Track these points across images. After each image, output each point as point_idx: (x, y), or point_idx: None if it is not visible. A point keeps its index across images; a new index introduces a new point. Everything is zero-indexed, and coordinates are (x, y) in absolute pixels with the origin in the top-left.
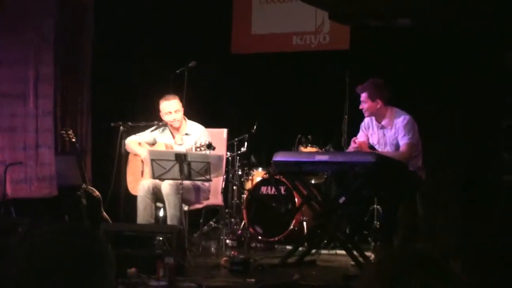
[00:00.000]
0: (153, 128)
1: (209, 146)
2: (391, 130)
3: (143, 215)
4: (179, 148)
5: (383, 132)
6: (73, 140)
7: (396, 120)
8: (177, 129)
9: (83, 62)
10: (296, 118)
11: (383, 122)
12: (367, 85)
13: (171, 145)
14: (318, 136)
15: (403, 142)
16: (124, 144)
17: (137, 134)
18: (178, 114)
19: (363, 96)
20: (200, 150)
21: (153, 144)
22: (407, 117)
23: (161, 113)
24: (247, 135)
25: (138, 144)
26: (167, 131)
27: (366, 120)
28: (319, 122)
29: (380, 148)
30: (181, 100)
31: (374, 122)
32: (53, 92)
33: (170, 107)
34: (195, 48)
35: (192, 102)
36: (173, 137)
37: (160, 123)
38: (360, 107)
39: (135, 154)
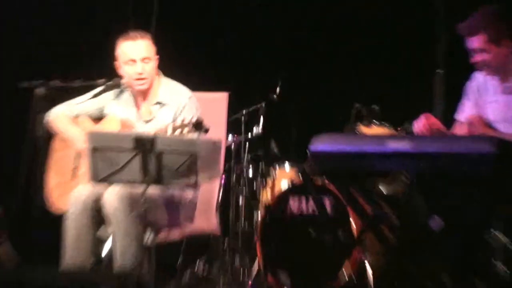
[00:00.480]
0: (98, 90)
1: (198, 126)
2: None
3: (73, 248)
4: (145, 127)
5: (509, 100)
6: None
7: None
8: (144, 93)
9: None
10: (349, 74)
11: None
12: (483, 16)
13: (130, 123)
14: (392, 106)
15: None
16: (46, 122)
17: (68, 102)
18: (148, 65)
19: (479, 39)
20: (181, 132)
21: (99, 119)
22: None
23: (117, 63)
24: (263, 105)
25: (72, 121)
26: (126, 97)
27: (477, 77)
28: (391, 80)
29: (504, 127)
30: (154, 42)
31: (492, 81)
32: None
33: (135, 51)
34: None
35: (169, 46)
36: (137, 107)
37: (112, 82)
38: (473, 59)
39: (64, 139)
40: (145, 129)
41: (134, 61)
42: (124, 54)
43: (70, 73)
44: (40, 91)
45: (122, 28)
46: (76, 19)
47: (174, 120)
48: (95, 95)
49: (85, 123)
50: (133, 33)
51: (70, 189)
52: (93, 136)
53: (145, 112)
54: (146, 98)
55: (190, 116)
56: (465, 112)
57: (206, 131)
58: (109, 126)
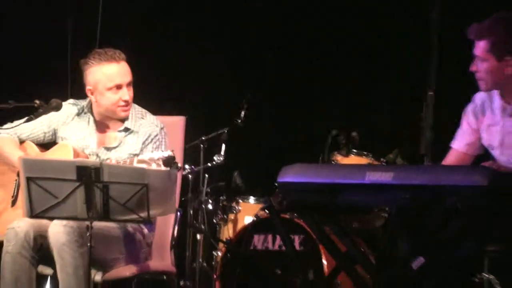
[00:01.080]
0: (44, 114)
1: (169, 162)
2: None
3: None
4: (108, 155)
5: (508, 123)
6: None
7: None
8: (110, 118)
9: None
10: (325, 98)
11: None
12: (492, 23)
13: (83, 152)
14: (371, 133)
15: None
16: None
17: (17, 124)
18: (131, 90)
19: (482, 45)
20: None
21: (48, 146)
22: None
23: (93, 88)
24: (226, 131)
25: (19, 145)
26: (85, 121)
27: (478, 99)
28: (373, 105)
29: (505, 157)
30: None
31: (495, 103)
32: None
33: (121, 76)
34: None
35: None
36: (100, 133)
37: (52, 104)
38: (471, 67)
39: (6, 163)
40: (109, 157)
41: (120, 86)
42: (108, 79)
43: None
44: None
45: (60, 48)
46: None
47: (141, 150)
48: (35, 117)
49: (30, 149)
50: (111, 52)
51: (7, 219)
52: (28, 163)
53: (108, 138)
54: (111, 122)
55: (159, 152)
56: (462, 139)
57: (178, 168)
58: (59, 154)
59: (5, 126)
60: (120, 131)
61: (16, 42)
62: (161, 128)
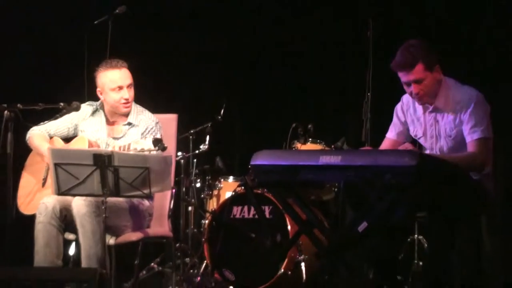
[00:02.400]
0: (61, 113)
1: (157, 143)
2: (448, 116)
3: (44, 252)
4: (115, 143)
5: (434, 118)
6: None
7: (458, 99)
8: (120, 115)
9: None
10: (287, 96)
11: (437, 103)
12: (416, 49)
13: (96, 142)
14: (324, 125)
15: (473, 137)
16: (27, 139)
17: (47, 123)
18: (131, 91)
19: (418, 70)
20: (143, 151)
21: (72, 138)
22: (475, 93)
23: (100, 90)
24: (210, 125)
25: (48, 140)
26: (99, 117)
27: (405, 99)
28: (324, 103)
29: (428, 143)
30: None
31: (417, 103)
32: None
33: (122, 79)
34: None
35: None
36: (110, 126)
37: (72, 105)
38: (414, 91)
39: (39, 154)
40: (115, 145)
41: (121, 87)
42: (112, 82)
43: (34, 98)
44: (7, 113)
45: (78, 56)
46: (36, 51)
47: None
48: (60, 116)
49: (57, 142)
50: (115, 62)
51: (39, 196)
52: (55, 153)
53: (116, 131)
54: (118, 118)
55: (150, 135)
56: (394, 130)
57: (164, 149)
58: (78, 144)
59: (38, 125)
60: (124, 125)
61: (43, 56)
62: (156, 122)
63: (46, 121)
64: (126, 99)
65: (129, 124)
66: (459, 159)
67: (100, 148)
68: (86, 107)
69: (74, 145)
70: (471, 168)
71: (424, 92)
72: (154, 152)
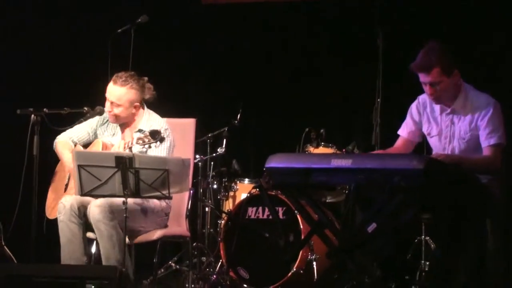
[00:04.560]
0: (86, 117)
1: (154, 135)
2: (465, 118)
3: (68, 249)
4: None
5: (451, 120)
6: None
7: (477, 104)
8: (127, 122)
9: None
10: (301, 102)
11: (455, 105)
12: (435, 53)
13: (111, 144)
14: (335, 130)
15: (490, 142)
16: (54, 145)
17: (70, 130)
18: (117, 110)
19: (435, 73)
20: (143, 142)
21: (91, 142)
22: (493, 100)
23: None
24: (226, 129)
25: (72, 147)
26: (113, 124)
27: (422, 99)
28: (336, 108)
29: (441, 144)
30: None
31: (433, 104)
32: None
33: (109, 92)
34: None
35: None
36: (122, 132)
37: (96, 110)
38: (429, 92)
39: (61, 162)
40: (120, 144)
41: (107, 99)
42: (106, 91)
43: (60, 102)
44: (34, 117)
45: (102, 64)
46: (64, 58)
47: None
48: (84, 120)
49: (79, 148)
50: (120, 77)
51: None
52: (79, 155)
53: (128, 137)
54: (130, 125)
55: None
56: (406, 128)
57: (162, 140)
58: (93, 148)
59: (64, 132)
60: (135, 132)
61: (69, 65)
62: (165, 129)
63: (70, 126)
64: (108, 111)
65: (140, 131)
66: (476, 160)
67: (113, 147)
68: (105, 113)
69: (90, 148)
70: (487, 171)
71: (439, 94)
72: (158, 144)
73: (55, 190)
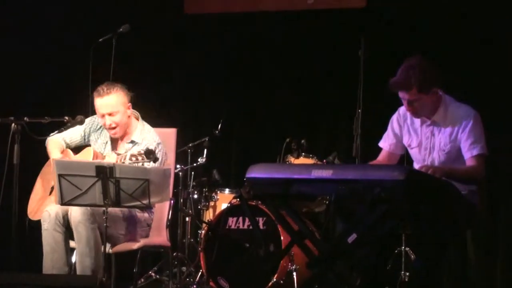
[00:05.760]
0: (72, 127)
1: (148, 154)
2: (445, 130)
3: (51, 258)
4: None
5: (431, 131)
6: None
7: (457, 116)
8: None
9: None
10: (281, 113)
11: (435, 117)
12: (414, 72)
13: (101, 154)
14: (316, 140)
15: (473, 153)
16: (46, 143)
17: (65, 130)
18: (116, 117)
19: (412, 93)
20: (137, 160)
21: (84, 147)
22: (473, 111)
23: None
24: (207, 139)
25: (64, 147)
26: (106, 133)
27: (402, 111)
28: (317, 119)
29: (421, 155)
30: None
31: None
32: None
33: (102, 107)
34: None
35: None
36: (114, 142)
37: (76, 119)
38: (407, 109)
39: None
40: (114, 155)
41: (103, 115)
42: (97, 110)
43: (41, 111)
44: (15, 126)
45: (84, 74)
46: (43, 67)
47: (130, 152)
48: (65, 129)
49: (67, 154)
50: (102, 89)
51: (45, 203)
52: (59, 164)
53: (120, 147)
54: (123, 135)
55: (144, 146)
56: (388, 140)
57: (156, 160)
58: (84, 156)
59: (58, 131)
60: (128, 143)
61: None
62: (158, 143)
63: (64, 128)
64: (109, 125)
65: (132, 142)
66: (465, 171)
67: (104, 159)
68: (98, 119)
69: (81, 155)
70: (470, 181)
71: (417, 110)
72: (152, 164)
73: (40, 191)
